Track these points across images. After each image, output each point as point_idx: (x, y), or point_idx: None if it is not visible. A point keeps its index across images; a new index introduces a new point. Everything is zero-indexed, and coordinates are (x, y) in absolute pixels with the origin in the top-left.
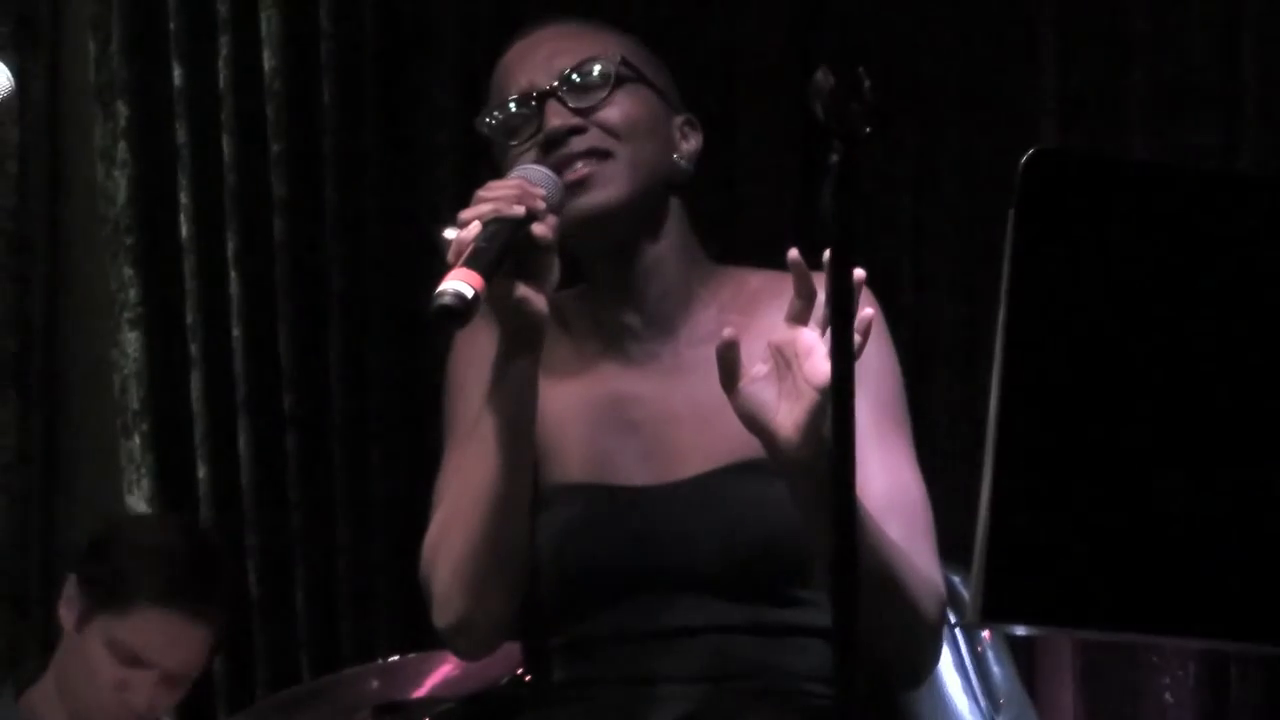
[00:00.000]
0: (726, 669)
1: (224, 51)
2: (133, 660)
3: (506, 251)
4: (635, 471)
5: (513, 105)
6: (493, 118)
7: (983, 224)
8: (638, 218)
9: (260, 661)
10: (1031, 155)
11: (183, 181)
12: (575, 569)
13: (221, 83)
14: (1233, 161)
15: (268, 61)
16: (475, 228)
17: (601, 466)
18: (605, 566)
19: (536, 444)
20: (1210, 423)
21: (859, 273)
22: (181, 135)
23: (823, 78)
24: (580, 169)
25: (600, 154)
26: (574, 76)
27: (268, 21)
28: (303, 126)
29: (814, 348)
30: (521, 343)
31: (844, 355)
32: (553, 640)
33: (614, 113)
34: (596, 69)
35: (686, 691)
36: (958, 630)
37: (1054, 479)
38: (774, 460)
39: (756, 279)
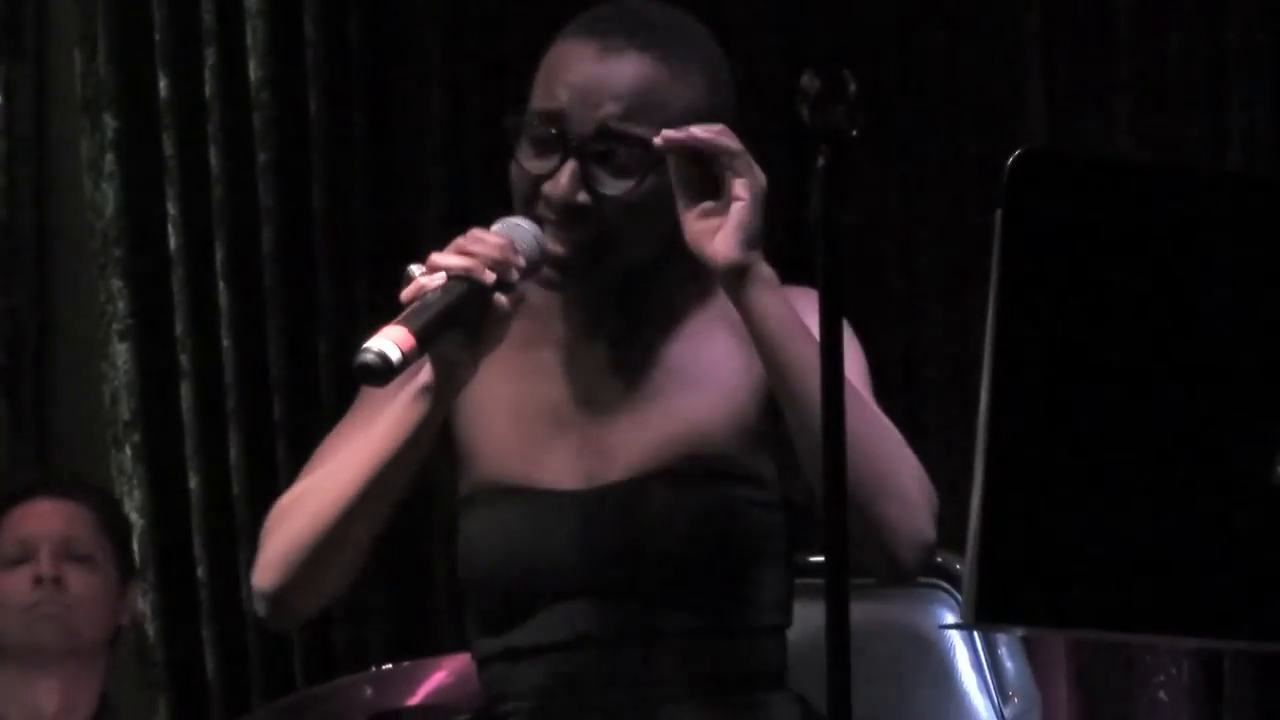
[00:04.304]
0: (665, 674)
1: (210, 62)
2: (16, 559)
3: (451, 316)
4: (562, 474)
5: (538, 122)
6: (518, 120)
7: (971, 225)
8: (611, 275)
9: (255, 670)
10: (1018, 155)
11: (170, 193)
12: (500, 576)
13: (208, 93)
14: (1220, 158)
15: (254, 72)
16: (440, 279)
17: (529, 467)
18: (530, 574)
19: (463, 441)
20: (1200, 421)
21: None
22: (169, 146)
23: (809, 81)
24: (565, 251)
25: (592, 243)
26: (610, 143)
27: (253, 31)
28: (290, 136)
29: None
30: (439, 391)
31: (833, 357)
32: (490, 647)
33: (631, 198)
34: (636, 152)
35: (626, 700)
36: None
37: (1044, 479)
38: (724, 289)
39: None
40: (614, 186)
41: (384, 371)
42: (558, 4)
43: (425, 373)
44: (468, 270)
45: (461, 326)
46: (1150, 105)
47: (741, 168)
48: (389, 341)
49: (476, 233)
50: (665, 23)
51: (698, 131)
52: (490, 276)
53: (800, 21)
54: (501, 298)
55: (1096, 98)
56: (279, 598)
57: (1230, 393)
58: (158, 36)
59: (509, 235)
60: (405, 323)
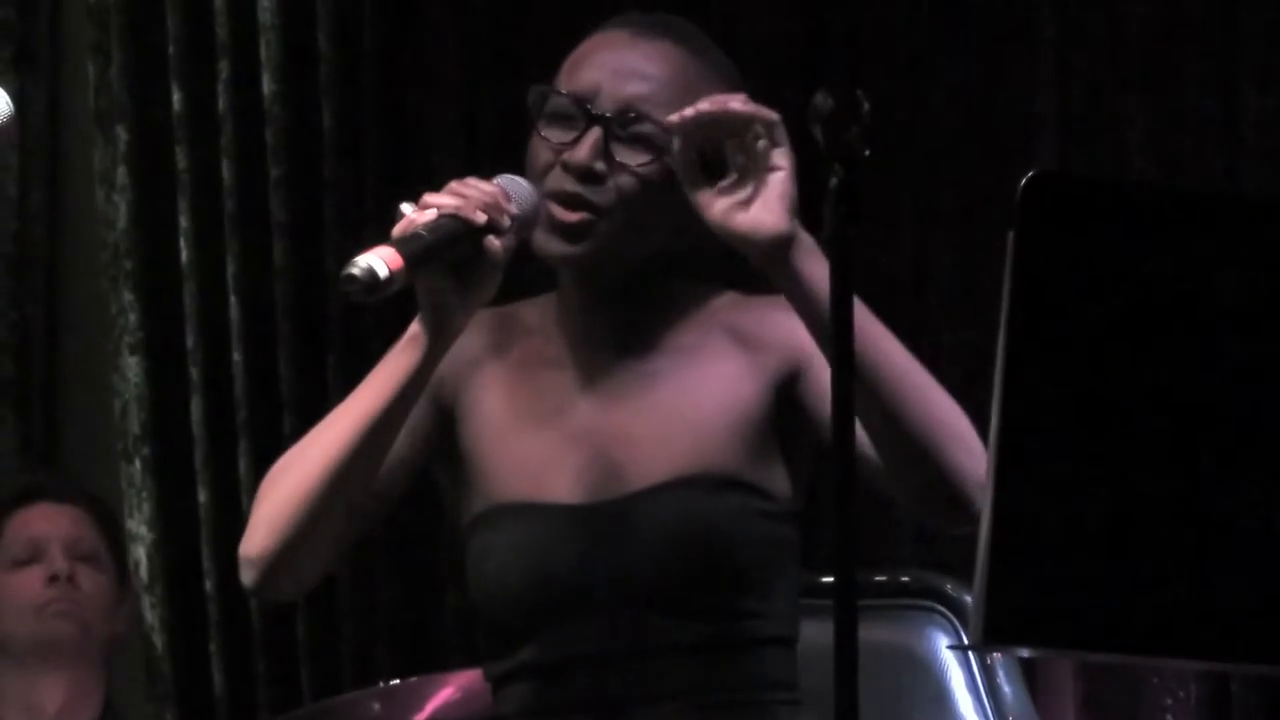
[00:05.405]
0: (679, 687)
1: (223, 75)
2: (24, 559)
3: (443, 248)
4: (571, 490)
5: (564, 98)
6: (543, 94)
7: (983, 246)
8: (610, 268)
9: (261, 686)
10: (1031, 177)
11: (182, 206)
12: (512, 594)
13: (221, 107)
14: (1234, 182)
15: (267, 85)
16: (431, 215)
17: (537, 485)
18: (542, 591)
19: (470, 461)
20: (1212, 444)
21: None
22: (181, 159)
23: (822, 100)
24: (571, 216)
25: (601, 212)
26: (629, 120)
27: (267, 45)
28: (302, 150)
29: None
30: (429, 338)
31: (845, 371)
32: (503, 665)
33: (646, 173)
34: (654, 130)
35: (639, 714)
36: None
37: (1054, 502)
38: (763, 265)
39: (723, 299)
40: (632, 158)
41: (369, 286)
42: (574, 19)
43: (415, 324)
44: (458, 208)
45: (453, 268)
46: (1164, 128)
47: (780, 136)
48: (377, 258)
49: (470, 179)
50: (695, 30)
51: (735, 104)
52: (481, 217)
53: (814, 43)
54: (494, 240)
55: (1109, 120)
56: (266, 562)
57: (1243, 414)
58: (171, 49)
59: (505, 186)
60: (395, 245)
